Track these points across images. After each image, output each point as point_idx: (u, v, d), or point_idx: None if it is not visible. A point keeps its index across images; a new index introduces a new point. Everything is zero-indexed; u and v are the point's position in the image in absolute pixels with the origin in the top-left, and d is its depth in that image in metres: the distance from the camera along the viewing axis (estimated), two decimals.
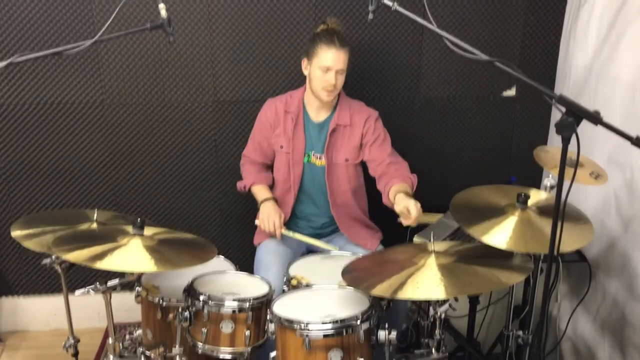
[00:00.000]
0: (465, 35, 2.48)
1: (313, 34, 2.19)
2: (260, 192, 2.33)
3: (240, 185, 2.40)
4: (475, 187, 1.88)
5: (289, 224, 2.33)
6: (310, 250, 2.33)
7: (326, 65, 2.09)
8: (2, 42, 2.43)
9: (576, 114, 1.28)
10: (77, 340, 2.13)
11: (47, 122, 2.56)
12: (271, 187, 2.38)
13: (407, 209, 1.91)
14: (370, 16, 1.54)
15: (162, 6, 1.70)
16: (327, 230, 2.37)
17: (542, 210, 1.71)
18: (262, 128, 2.32)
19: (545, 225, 1.63)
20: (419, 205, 1.93)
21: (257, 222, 2.27)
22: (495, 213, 1.70)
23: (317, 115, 2.26)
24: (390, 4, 1.51)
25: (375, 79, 2.66)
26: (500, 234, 1.61)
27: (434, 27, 1.47)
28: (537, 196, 1.79)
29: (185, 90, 2.59)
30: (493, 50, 2.65)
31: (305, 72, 2.20)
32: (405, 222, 1.94)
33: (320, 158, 2.26)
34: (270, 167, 2.39)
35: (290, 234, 2.24)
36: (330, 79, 2.10)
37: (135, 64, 2.53)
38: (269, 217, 2.21)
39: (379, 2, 1.51)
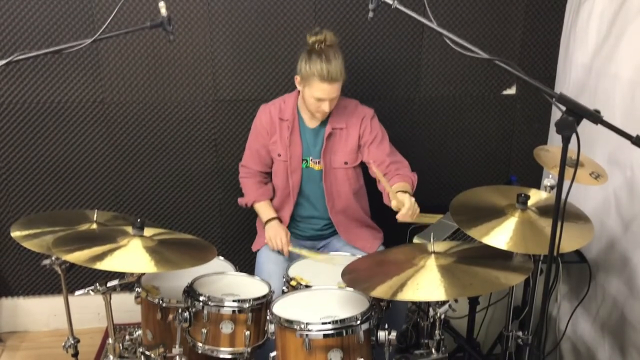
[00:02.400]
0: (465, 34, 2.47)
1: (306, 50, 2.11)
2: (264, 210, 2.33)
3: (241, 202, 2.40)
4: (475, 189, 1.87)
5: (290, 227, 2.33)
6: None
7: (319, 97, 2.08)
8: (2, 42, 2.43)
9: (576, 113, 1.27)
10: (77, 341, 2.13)
11: (47, 121, 2.56)
12: (272, 199, 2.36)
13: (402, 202, 1.89)
14: (371, 14, 1.53)
15: (162, 5, 1.70)
16: (328, 232, 2.36)
17: (542, 210, 1.70)
18: (258, 135, 2.31)
19: (546, 225, 1.62)
20: (413, 199, 1.92)
21: (265, 240, 2.28)
22: (495, 214, 1.69)
23: (312, 120, 2.24)
24: (390, 2, 1.50)
25: (374, 77, 2.65)
26: (500, 235, 1.60)
27: (434, 25, 1.46)
28: (537, 196, 1.78)
29: (185, 90, 2.59)
30: (493, 49, 2.65)
31: (299, 88, 2.17)
32: (399, 216, 1.90)
33: (318, 163, 2.25)
34: (269, 175, 2.38)
35: (297, 250, 2.24)
36: (324, 108, 2.10)
37: (135, 62, 2.53)
38: (275, 236, 2.23)
39: (379, 1, 1.51)
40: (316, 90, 2.07)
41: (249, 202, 2.37)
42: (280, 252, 2.24)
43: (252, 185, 2.37)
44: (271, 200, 2.36)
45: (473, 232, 1.63)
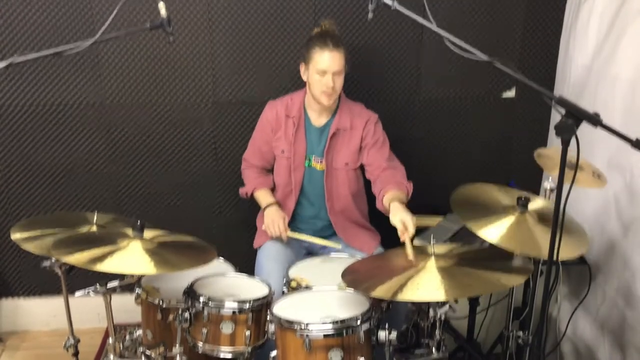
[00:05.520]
0: (465, 35, 2.46)
1: (308, 38, 2.19)
2: (263, 197, 2.33)
3: (242, 191, 2.40)
4: (478, 184, 1.88)
5: (290, 227, 2.32)
6: (310, 252, 2.33)
7: (322, 68, 2.09)
8: (2, 42, 2.43)
9: (576, 116, 1.28)
10: (77, 341, 2.13)
11: (47, 123, 2.56)
12: (272, 189, 2.37)
13: (404, 224, 1.87)
14: (370, 15, 1.53)
15: (161, 5, 1.69)
16: (327, 233, 2.36)
17: (540, 217, 1.70)
18: (263, 131, 2.32)
19: (540, 231, 1.63)
20: (414, 219, 1.91)
21: (263, 227, 2.27)
22: (494, 210, 1.71)
23: (318, 119, 2.25)
24: (390, 3, 1.50)
25: (374, 79, 2.65)
26: (494, 230, 1.61)
27: (433, 26, 1.46)
28: (535, 203, 1.77)
29: (184, 91, 2.59)
30: (493, 50, 2.60)
31: (304, 78, 2.19)
32: (402, 237, 1.88)
33: (320, 162, 2.26)
34: (270, 171, 2.39)
35: (296, 235, 2.25)
36: (327, 82, 2.10)
37: (135, 64, 2.53)
38: (273, 221, 2.21)
39: (378, 1, 1.51)
40: (318, 62, 2.08)
41: (249, 190, 2.37)
42: (281, 244, 2.24)
43: (252, 174, 2.38)
44: (272, 190, 2.36)
45: (470, 223, 1.64)
